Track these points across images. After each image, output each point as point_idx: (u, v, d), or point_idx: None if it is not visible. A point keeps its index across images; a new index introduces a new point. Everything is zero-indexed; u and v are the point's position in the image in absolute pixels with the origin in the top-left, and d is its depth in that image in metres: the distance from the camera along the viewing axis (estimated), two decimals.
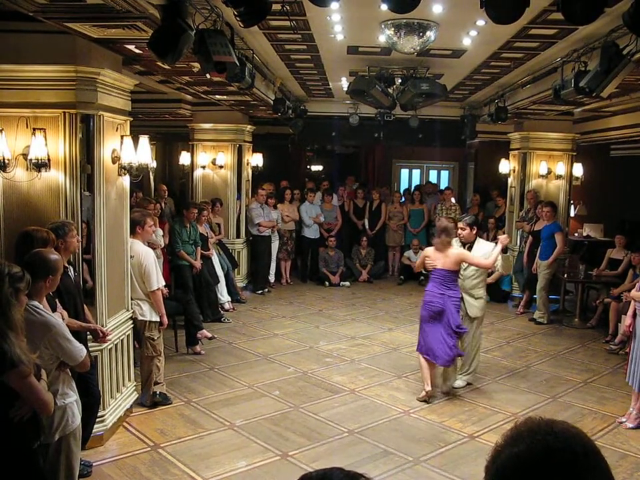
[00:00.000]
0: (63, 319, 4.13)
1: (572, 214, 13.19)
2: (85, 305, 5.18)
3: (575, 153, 11.75)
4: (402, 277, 13.61)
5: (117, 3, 4.11)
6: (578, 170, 12.26)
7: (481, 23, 5.87)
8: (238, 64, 5.72)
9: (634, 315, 6.26)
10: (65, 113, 5.23)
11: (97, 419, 5.34)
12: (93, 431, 5.26)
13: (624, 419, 6.31)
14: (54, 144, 5.23)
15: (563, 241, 10.28)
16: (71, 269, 4.97)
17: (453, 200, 14.14)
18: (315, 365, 7.93)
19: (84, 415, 4.16)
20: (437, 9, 5.58)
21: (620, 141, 12.59)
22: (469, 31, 6.34)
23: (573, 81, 6.11)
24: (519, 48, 7.02)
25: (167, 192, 11.78)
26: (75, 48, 5.20)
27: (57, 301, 4.35)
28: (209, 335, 8.59)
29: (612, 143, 13.21)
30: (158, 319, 6.53)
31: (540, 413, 6.36)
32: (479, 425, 6.20)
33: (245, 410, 6.46)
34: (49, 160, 5.16)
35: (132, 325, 6.32)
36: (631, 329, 6.29)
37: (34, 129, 5.14)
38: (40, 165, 5.12)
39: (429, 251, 6.94)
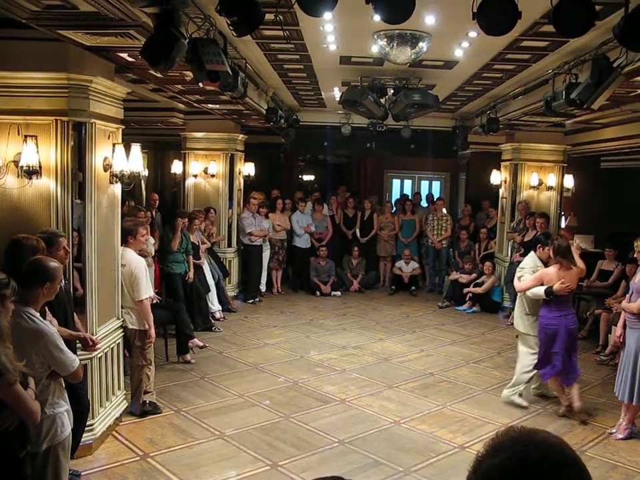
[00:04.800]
0: None
1: (563, 225, 13.24)
2: (74, 313, 5.15)
3: (565, 165, 11.80)
4: (393, 287, 13.61)
5: (110, 10, 4.11)
6: (569, 181, 12.32)
7: (473, 34, 5.90)
8: (231, 73, 5.72)
9: (624, 326, 6.28)
10: (56, 120, 5.23)
11: (86, 428, 5.29)
12: (82, 439, 5.22)
13: (614, 430, 6.32)
14: (45, 151, 5.22)
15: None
16: None
17: (444, 210, 14.17)
18: (306, 375, 7.91)
19: (73, 423, 4.12)
20: (430, 20, 5.61)
21: (610, 153, 12.68)
22: (461, 42, 6.38)
23: (564, 92, 6.14)
24: (510, 60, 7.06)
25: (157, 201, 11.73)
26: (68, 55, 5.20)
27: (46, 308, 4.33)
28: (200, 343, 8.56)
29: (602, 154, 13.30)
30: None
31: (530, 424, 6.37)
32: (470, 436, 6.20)
33: (235, 419, 6.43)
34: (40, 167, 5.16)
35: (122, 334, 6.30)
36: (621, 340, 6.31)
37: (25, 136, 5.14)
38: (31, 172, 5.10)
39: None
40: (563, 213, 12.63)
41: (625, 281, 9.22)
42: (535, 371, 6.98)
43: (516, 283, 7.12)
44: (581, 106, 5.88)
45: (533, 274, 6.88)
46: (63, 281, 4.97)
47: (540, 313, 6.82)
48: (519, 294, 7.31)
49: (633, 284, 6.27)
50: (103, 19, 4.31)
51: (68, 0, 3.96)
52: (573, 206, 14.12)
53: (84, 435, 5.26)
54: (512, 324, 10.52)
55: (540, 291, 6.69)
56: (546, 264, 7.00)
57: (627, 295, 6.37)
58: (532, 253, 7.27)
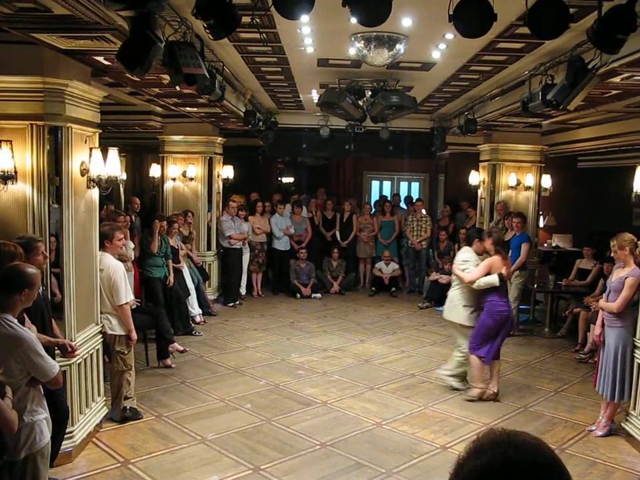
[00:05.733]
0: None
1: (541, 224, 13.35)
2: (53, 320, 5.09)
3: (543, 165, 11.90)
4: (373, 288, 13.65)
5: (85, 14, 4.06)
6: (546, 181, 12.43)
7: (449, 36, 5.93)
8: (208, 76, 5.69)
9: (603, 324, 6.34)
10: (32, 124, 5.17)
11: (66, 435, 5.24)
12: (61, 447, 5.16)
13: (593, 427, 6.38)
14: (21, 156, 5.16)
15: (527, 251, 10.28)
16: None
17: (423, 211, 14.23)
18: (287, 378, 7.90)
19: (52, 431, 4.08)
20: (407, 22, 5.63)
21: (587, 153, 12.81)
22: (438, 44, 6.41)
23: (540, 93, 6.20)
24: (487, 61, 7.11)
25: (139, 205, 11.66)
26: (43, 59, 5.13)
27: (24, 315, 4.28)
28: (180, 348, 8.52)
29: (579, 154, 13.43)
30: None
31: (511, 423, 6.42)
32: (451, 436, 6.22)
33: (217, 424, 6.40)
34: (15, 172, 5.09)
35: (101, 339, 6.24)
36: (601, 338, 6.37)
37: (0, 141, 5.06)
38: (6, 177, 5.05)
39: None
40: (541, 212, 12.74)
41: (602, 280, 9.31)
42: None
43: (462, 274, 7.33)
44: (557, 107, 5.93)
45: (476, 267, 7.23)
46: (41, 287, 4.92)
47: (489, 299, 7.11)
48: (455, 288, 7.56)
49: (609, 283, 6.34)
50: (77, 22, 4.26)
51: (41, 2, 3.91)
52: (551, 206, 14.25)
53: (63, 442, 5.20)
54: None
55: (493, 278, 7.06)
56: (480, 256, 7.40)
57: (604, 294, 6.44)
58: (468, 247, 7.64)
